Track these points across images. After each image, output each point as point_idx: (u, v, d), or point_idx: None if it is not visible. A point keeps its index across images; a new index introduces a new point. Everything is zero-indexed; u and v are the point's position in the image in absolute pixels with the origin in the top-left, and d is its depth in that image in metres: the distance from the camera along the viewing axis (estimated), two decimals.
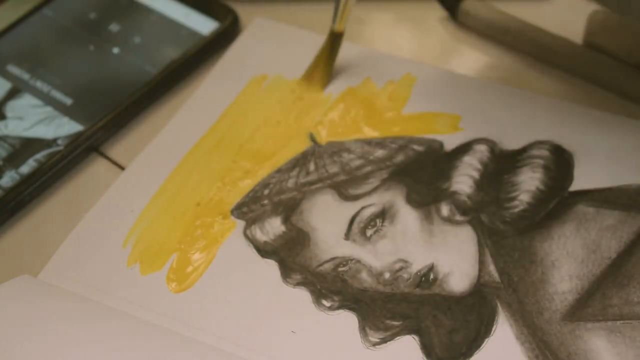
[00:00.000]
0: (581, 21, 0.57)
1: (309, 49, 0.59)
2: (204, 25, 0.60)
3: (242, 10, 0.61)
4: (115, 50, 0.59)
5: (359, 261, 0.50)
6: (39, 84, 0.58)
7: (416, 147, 0.54)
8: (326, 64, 0.57)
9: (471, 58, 0.59)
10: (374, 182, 0.53)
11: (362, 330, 0.48)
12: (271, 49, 0.59)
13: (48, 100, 0.57)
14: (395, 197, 0.52)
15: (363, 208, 0.51)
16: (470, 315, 0.48)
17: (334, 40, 0.56)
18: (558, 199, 0.51)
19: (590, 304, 0.47)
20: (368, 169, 0.53)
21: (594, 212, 0.50)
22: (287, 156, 0.54)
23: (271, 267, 0.50)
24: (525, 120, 0.55)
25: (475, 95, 0.55)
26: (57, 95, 0.57)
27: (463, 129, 0.55)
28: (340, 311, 0.48)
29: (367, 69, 0.58)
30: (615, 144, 0.53)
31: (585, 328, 0.47)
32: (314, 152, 0.54)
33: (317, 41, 0.58)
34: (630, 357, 0.46)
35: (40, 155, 0.55)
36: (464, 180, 0.52)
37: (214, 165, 0.54)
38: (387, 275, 0.49)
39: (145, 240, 0.51)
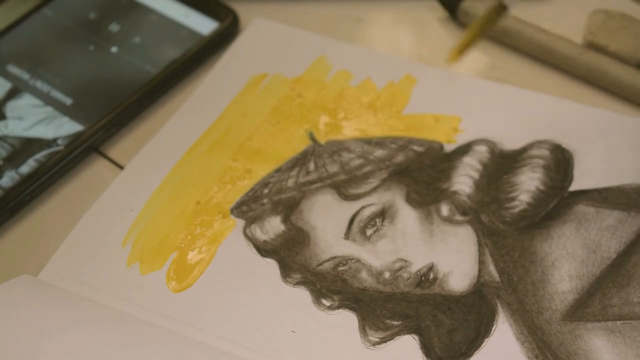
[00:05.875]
0: (581, 21, 0.57)
1: (308, 49, 0.59)
2: (203, 25, 0.60)
3: (242, 10, 0.61)
4: (115, 50, 0.59)
5: (358, 260, 0.50)
6: (39, 84, 0.58)
7: (416, 147, 0.54)
8: (478, 33, 0.50)
9: (471, 58, 0.59)
10: (373, 181, 0.52)
11: (362, 329, 0.48)
12: (270, 49, 0.59)
13: (48, 100, 0.57)
14: (395, 197, 0.52)
15: (363, 207, 0.51)
16: (470, 315, 0.48)
17: (499, 12, 0.50)
18: (558, 199, 0.51)
19: (590, 304, 0.47)
20: (368, 168, 0.53)
21: (593, 212, 0.50)
22: (287, 155, 0.54)
23: (271, 267, 0.50)
24: (525, 120, 0.55)
25: (475, 95, 0.55)
26: (57, 95, 0.57)
27: (463, 130, 0.55)
28: (340, 311, 0.48)
29: (367, 69, 0.58)
30: (615, 144, 0.53)
31: (585, 328, 0.47)
32: (314, 152, 0.54)
33: (316, 41, 0.58)
34: (630, 357, 0.46)
35: (40, 155, 0.55)
36: (463, 180, 0.52)
37: (213, 164, 0.54)
38: (387, 275, 0.49)
39: (145, 239, 0.51)
